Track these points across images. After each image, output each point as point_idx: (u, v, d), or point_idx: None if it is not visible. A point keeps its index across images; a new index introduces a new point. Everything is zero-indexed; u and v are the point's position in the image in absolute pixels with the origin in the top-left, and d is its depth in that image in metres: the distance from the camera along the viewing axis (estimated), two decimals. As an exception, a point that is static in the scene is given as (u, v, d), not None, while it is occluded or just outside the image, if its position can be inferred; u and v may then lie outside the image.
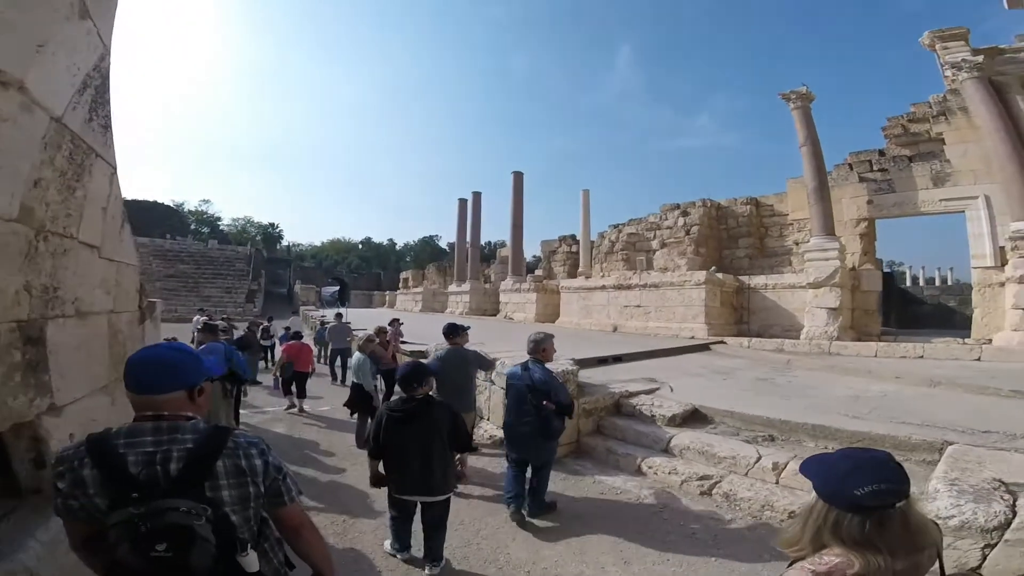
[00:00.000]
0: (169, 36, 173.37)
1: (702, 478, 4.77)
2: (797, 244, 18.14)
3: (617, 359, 9.65)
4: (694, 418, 5.96)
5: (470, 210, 31.95)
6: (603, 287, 17.41)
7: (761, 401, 6.47)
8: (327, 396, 9.76)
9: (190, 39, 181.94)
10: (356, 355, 6.53)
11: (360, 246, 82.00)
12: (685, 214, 18.56)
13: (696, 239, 17.83)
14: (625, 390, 6.24)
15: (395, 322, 11.74)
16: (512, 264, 26.73)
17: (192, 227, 65.15)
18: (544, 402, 4.10)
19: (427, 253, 72.54)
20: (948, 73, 14.53)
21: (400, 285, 46.78)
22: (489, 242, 50.81)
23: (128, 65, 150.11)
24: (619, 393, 6.14)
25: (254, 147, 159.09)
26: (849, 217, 16.19)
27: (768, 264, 18.36)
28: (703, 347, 12.96)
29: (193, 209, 69.86)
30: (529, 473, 4.34)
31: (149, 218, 54.83)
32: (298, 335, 10.19)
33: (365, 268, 70.87)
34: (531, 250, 37.56)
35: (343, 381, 11.47)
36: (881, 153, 16.64)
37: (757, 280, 16.31)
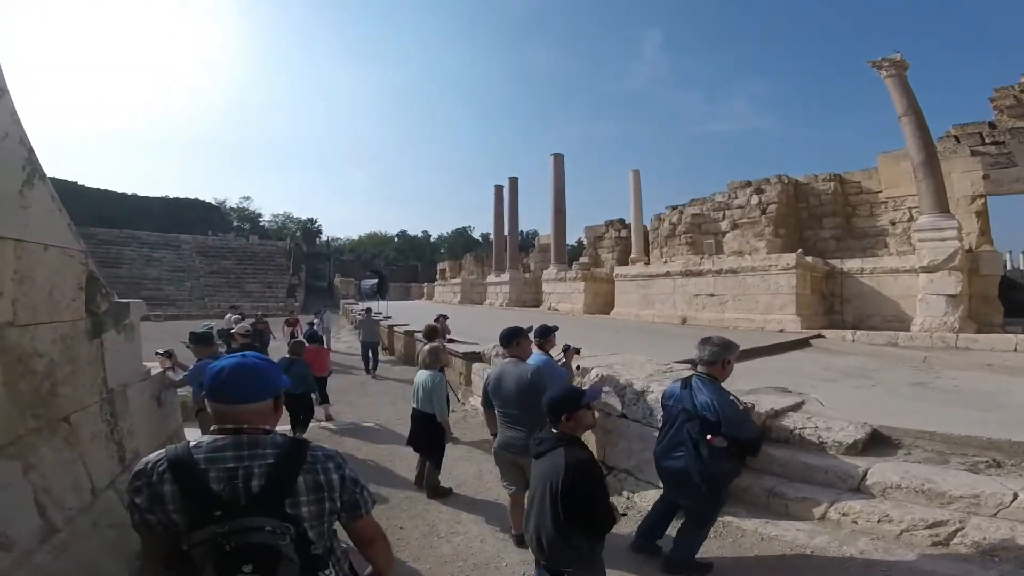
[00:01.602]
0: (206, 38, 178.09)
1: (933, 525, 3.31)
2: (893, 224, 15.86)
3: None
4: (874, 442, 4.30)
5: (507, 197, 30.42)
6: (667, 274, 15.55)
7: (950, 414, 4.88)
8: (354, 396, 8.51)
9: (227, 40, 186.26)
10: (423, 374, 4.56)
11: (396, 239, 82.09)
12: (759, 192, 16.45)
13: (774, 219, 15.73)
14: (771, 408, 4.56)
15: (441, 318, 10.35)
16: (555, 251, 25.07)
17: (234, 224, 66.14)
18: (708, 437, 2.84)
19: (461, 244, 71.76)
20: None
21: (437, 276, 45.91)
22: (522, 232, 48.92)
23: (170, 67, 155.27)
24: (764, 413, 4.46)
25: (290, 144, 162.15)
26: (961, 194, 13.86)
27: (858, 247, 16.09)
28: (802, 342, 11.05)
29: (234, 206, 71.03)
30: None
31: (191, 215, 55.93)
32: (314, 337, 9.12)
33: (402, 260, 70.70)
34: (571, 237, 35.69)
35: (374, 372, 11.66)
36: (991, 125, 14.27)
37: (851, 264, 14.15)
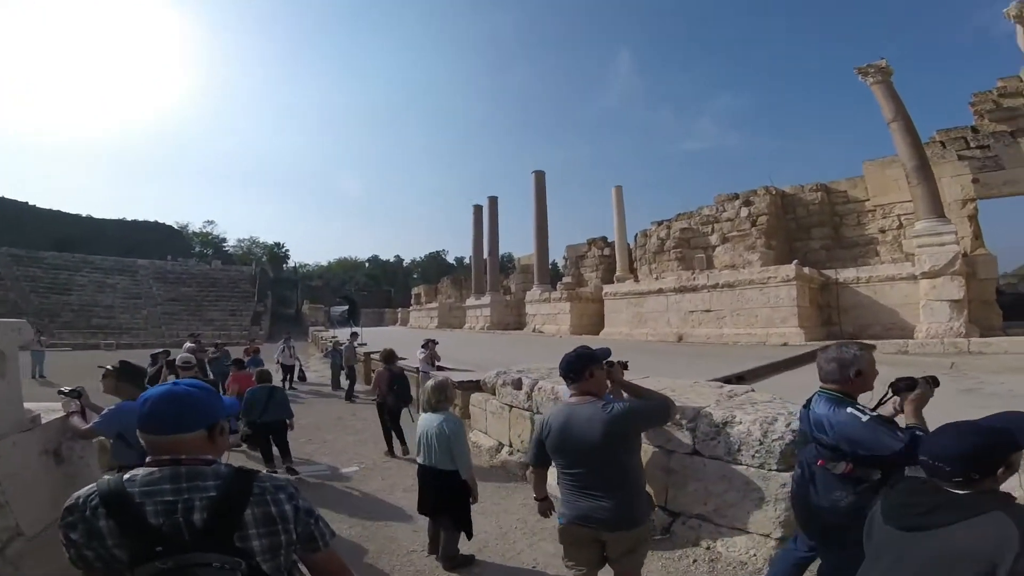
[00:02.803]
0: (168, 57, 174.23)
1: None
2: (883, 232, 15.73)
3: (740, 378, 7.11)
4: None
5: (486, 217, 29.67)
6: (660, 290, 14.90)
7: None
8: (333, 432, 7.29)
9: (189, 59, 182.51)
10: (430, 419, 3.40)
11: (367, 264, 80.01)
12: (748, 203, 16.12)
13: (765, 230, 15.36)
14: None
15: (431, 343, 9.32)
16: (538, 271, 24.31)
17: (196, 249, 63.36)
18: (820, 462, 2.20)
19: (434, 268, 70.50)
20: None
21: (412, 301, 44.49)
22: (500, 255, 47.85)
23: (127, 83, 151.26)
24: None
25: (258, 167, 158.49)
26: (952, 198, 13.75)
27: (848, 256, 15.85)
28: (812, 356, 10.37)
29: (197, 230, 68.18)
30: None
31: (150, 239, 53.31)
32: (255, 363, 7.89)
33: (373, 286, 68.65)
34: (551, 257, 34.93)
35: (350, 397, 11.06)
36: (974, 130, 14.38)
37: (846, 274, 13.80)
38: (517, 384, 5.36)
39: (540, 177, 25.11)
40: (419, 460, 3.38)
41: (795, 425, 3.14)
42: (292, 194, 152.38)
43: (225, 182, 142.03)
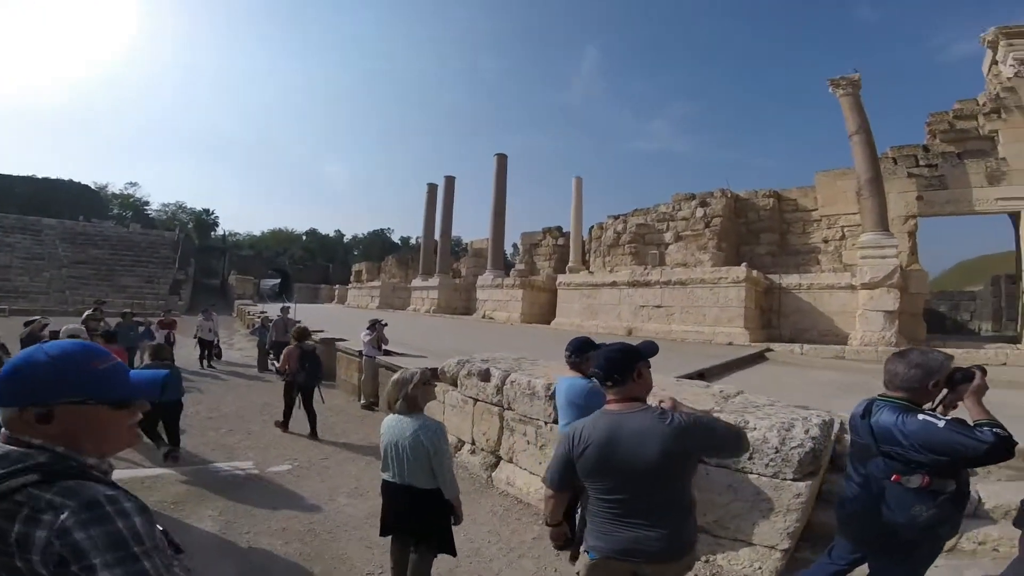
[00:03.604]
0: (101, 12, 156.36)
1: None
2: (826, 242, 16.37)
3: (701, 376, 6.96)
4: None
5: (441, 197, 28.68)
6: (613, 284, 14.80)
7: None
8: (255, 423, 6.46)
9: (126, 14, 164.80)
10: (398, 424, 2.60)
11: (304, 237, 75.75)
12: (704, 204, 16.30)
13: (718, 232, 15.59)
14: (837, 431, 3.56)
15: (377, 324, 8.56)
16: (492, 257, 23.74)
17: (115, 211, 57.44)
18: (895, 477, 2.02)
19: (378, 247, 67.91)
20: (1008, 70, 13.06)
21: (352, 279, 42.58)
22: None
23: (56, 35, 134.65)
24: (821, 436, 3.44)
25: (194, 130, 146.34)
26: (896, 214, 14.42)
27: (792, 263, 16.42)
28: (758, 356, 10.63)
29: (117, 192, 61.78)
30: None
31: (63, 199, 47.82)
32: (112, 336, 7.11)
33: (310, 260, 65.13)
34: (506, 244, 34.34)
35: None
36: (925, 148, 15.18)
37: (789, 279, 14.27)
38: (484, 375, 4.84)
39: (502, 160, 24.42)
40: (385, 476, 2.63)
41: (815, 432, 2.85)
42: (227, 162, 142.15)
43: (153, 145, 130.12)
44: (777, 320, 14.31)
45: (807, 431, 2.82)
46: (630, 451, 1.70)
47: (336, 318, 19.73)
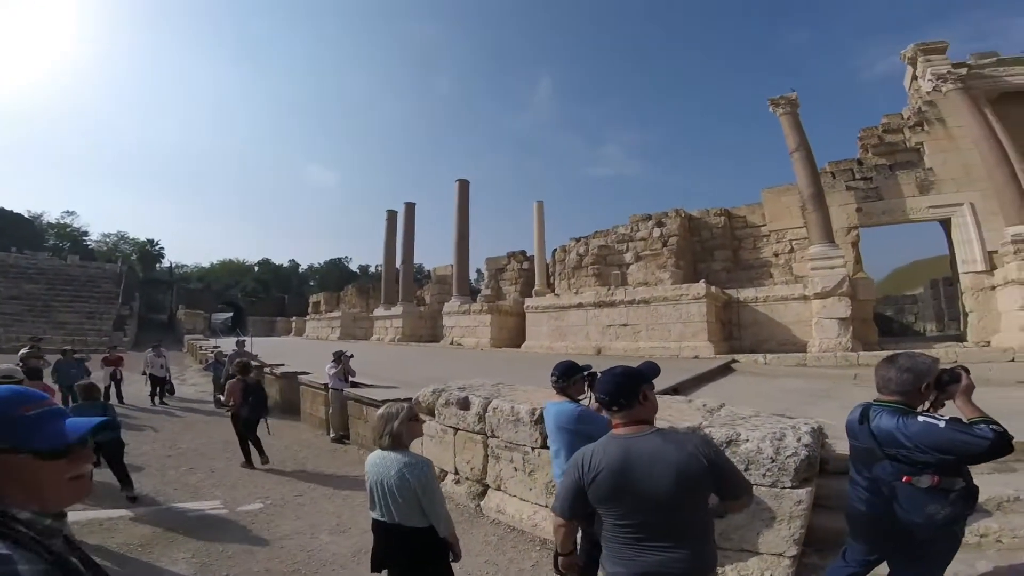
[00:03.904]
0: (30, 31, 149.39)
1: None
2: (776, 255, 17.17)
3: (675, 390, 7.08)
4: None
5: (401, 224, 28.45)
6: (580, 305, 14.97)
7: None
8: (219, 460, 6.07)
9: (54, 33, 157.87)
10: (383, 461, 2.48)
11: (256, 268, 73.16)
12: (660, 224, 16.86)
13: (675, 251, 16.12)
14: (822, 438, 3.65)
15: (343, 356, 8.29)
16: (457, 282, 23.61)
17: (50, 242, 53.96)
18: (905, 479, 2.08)
19: (335, 276, 66.53)
20: (927, 85, 14.32)
21: (310, 310, 41.35)
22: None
23: None
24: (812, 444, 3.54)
25: (133, 156, 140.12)
26: (839, 226, 15.30)
27: (745, 277, 17.13)
28: (725, 368, 10.91)
29: (53, 221, 58.12)
30: None
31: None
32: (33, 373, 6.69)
33: (263, 292, 62.87)
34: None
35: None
36: (859, 162, 16.26)
37: (746, 293, 14.85)
38: (463, 404, 4.74)
39: (464, 185, 24.54)
40: (374, 515, 2.51)
41: (807, 440, 2.93)
42: (171, 191, 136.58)
43: (92, 173, 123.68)
44: (738, 332, 14.80)
45: (799, 439, 2.90)
46: (645, 475, 1.68)
47: (296, 351, 19.04)
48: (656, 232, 16.76)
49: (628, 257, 17.00)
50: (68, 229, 58.39)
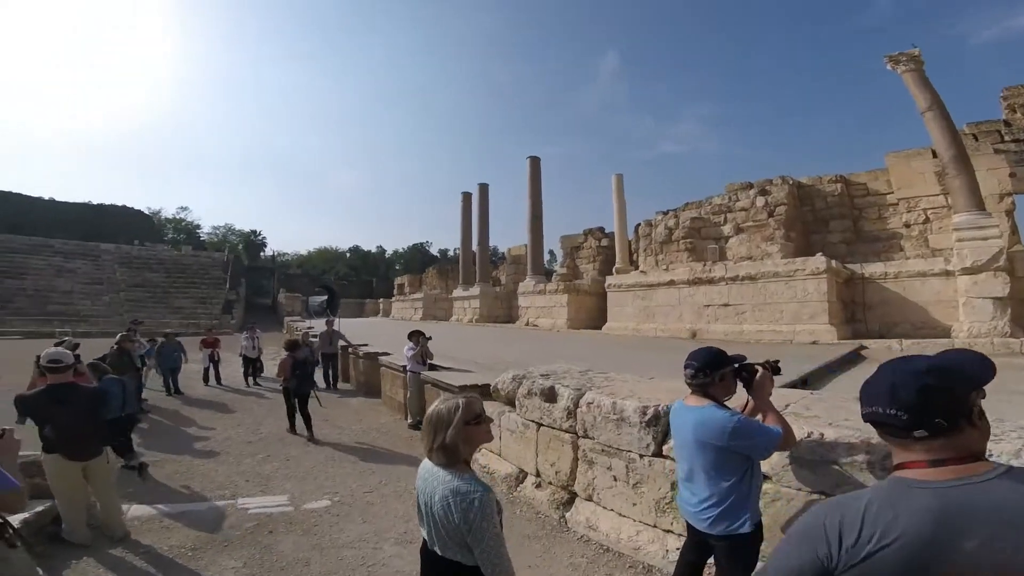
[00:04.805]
0: (151, 45, 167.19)
1: None
2: (908, 226, 14.69)
3: (804, 382, 5.84)
4: None
5: (476, 205, 28.17)
6: (671, 282, 13.63)
7: None
8: (299, 456, 5.76)
9: (175, 39, 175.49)
10: (432, 478, 1.75)
11: (348, 254, 77.48)
12: (764, 193, 14.94)
13: (784, 221, 14.21)
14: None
15: (420, 336, 7.74)
16: (532, 262, 22.93)
17: (169, 236, 60.36)
18: None
19: (418, 260, 68.57)
20: None
21: (395, 292, 42.78)
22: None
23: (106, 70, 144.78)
24: None
25: (239, 155, 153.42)
26: (988, 192, 12.74)
27: (870, 250, 14.84)
28: (854, 356, 9.27)
29: (170, 217, 64.99)
30: None
31: (117, 224, 50.35)
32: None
33: (354, 276, 66.41)
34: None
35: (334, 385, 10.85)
36: (1007, 123, 13.53)
37: (872, 268, 12.76)
38: (549, 395, 3.96)
39: (535, 163, 23.68)
40: (422, 531, 1.86)
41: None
42: (275, 185, 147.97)
43: (205, 171, 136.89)
44: (862, 313, 12.80)
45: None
46: (994, 553, 0.81)
47: (380, 332, 19.34)
48: (759, 201, 14.88)
49: (727, 229, 15.28)
50: (183, 223, 64.80)
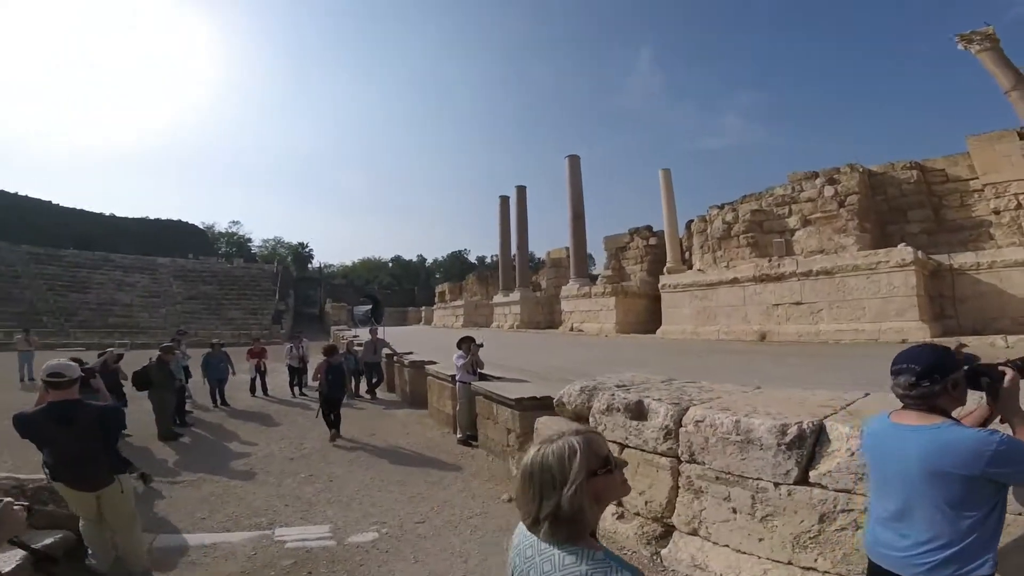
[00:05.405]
0: (202, 62, 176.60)
1: None
2: (997, 213, 13.18)
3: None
4: None
5: (514, 208, 27.67)
6: (733, 280, 12.65)
7: None
8: (344, 475, 5.28)
9: (221, 56, 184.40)
10: (541, 556, 1.02)
11: (390, 264, 78.96)
12: (832, 182, 13.72)
13: (857, 211, 12.96)
14: None
15: (472, 345, 7.14)
16: (575, 264, 22.20)
17: (222, 249, 62.99)
18: None
19: (456, 268, 68.97)
20: None
21: (436, 299, 42.82)
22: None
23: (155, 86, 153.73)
24: None
25: (283, 169, 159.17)
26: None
27: (955, 240, 13.39)
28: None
29: (223, 231, 67.86)
30: None
31: (173, 238, 52.84)
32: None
33: (396, 285, 67.44)
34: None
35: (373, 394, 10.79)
36: None
37: (962, 259, 11.43)
38: (636, 411, 3.28)
39: (575, 161, 22.99)
40: None
41: None
42: (318, 197, 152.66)
43: (252, 186, 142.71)
44: (952, 308, 11.47)
45: None
46: None
47: (424, 339, 19.05)
48: (828, 191, 13.66)
49: (792, 222, 14.12)
50: (235, 237, 67.42)
